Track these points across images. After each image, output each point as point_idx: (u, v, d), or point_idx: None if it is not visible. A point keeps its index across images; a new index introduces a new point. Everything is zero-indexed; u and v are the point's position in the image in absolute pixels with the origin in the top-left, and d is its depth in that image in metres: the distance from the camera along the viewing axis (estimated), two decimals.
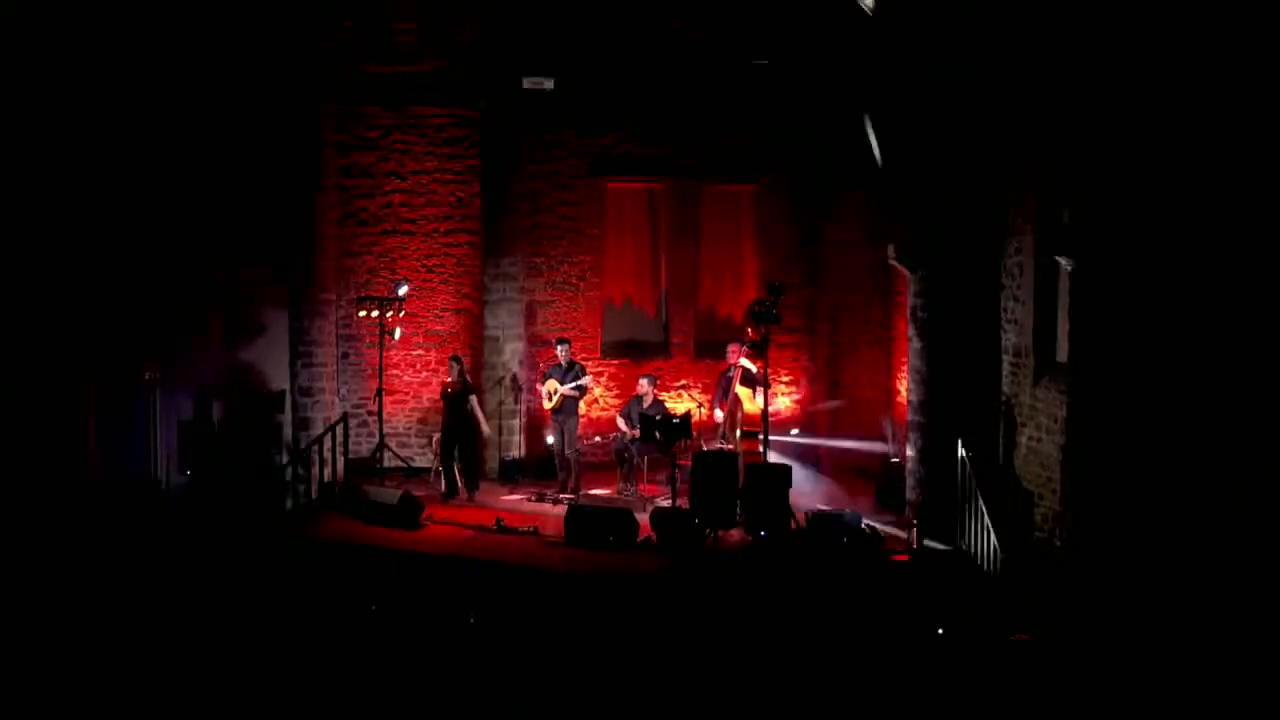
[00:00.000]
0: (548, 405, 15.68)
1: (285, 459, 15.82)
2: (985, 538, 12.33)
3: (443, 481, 15.58)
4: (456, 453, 15.54)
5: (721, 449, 14.78)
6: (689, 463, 14.22)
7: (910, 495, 14.08)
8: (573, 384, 15.38)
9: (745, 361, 14.97)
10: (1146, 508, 10.69)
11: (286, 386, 16.37)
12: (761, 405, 14.46)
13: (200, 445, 14.95)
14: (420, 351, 17.25)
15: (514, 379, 16.97)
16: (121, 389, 15.81)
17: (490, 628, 10.88)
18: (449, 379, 15.71)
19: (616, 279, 17.84)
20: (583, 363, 16.14)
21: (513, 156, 16.90)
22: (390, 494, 14.41)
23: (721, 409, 15.16)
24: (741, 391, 15.09)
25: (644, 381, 15.71)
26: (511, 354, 17.02)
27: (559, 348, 15.74)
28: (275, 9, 16.02)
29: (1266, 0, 10.15)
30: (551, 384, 15.56)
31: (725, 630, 10.83)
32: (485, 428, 15.77)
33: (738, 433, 14.99)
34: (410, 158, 17.12)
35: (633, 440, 15.20)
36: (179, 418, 15.77)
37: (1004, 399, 13.43)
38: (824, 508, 13.99)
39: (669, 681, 9.84)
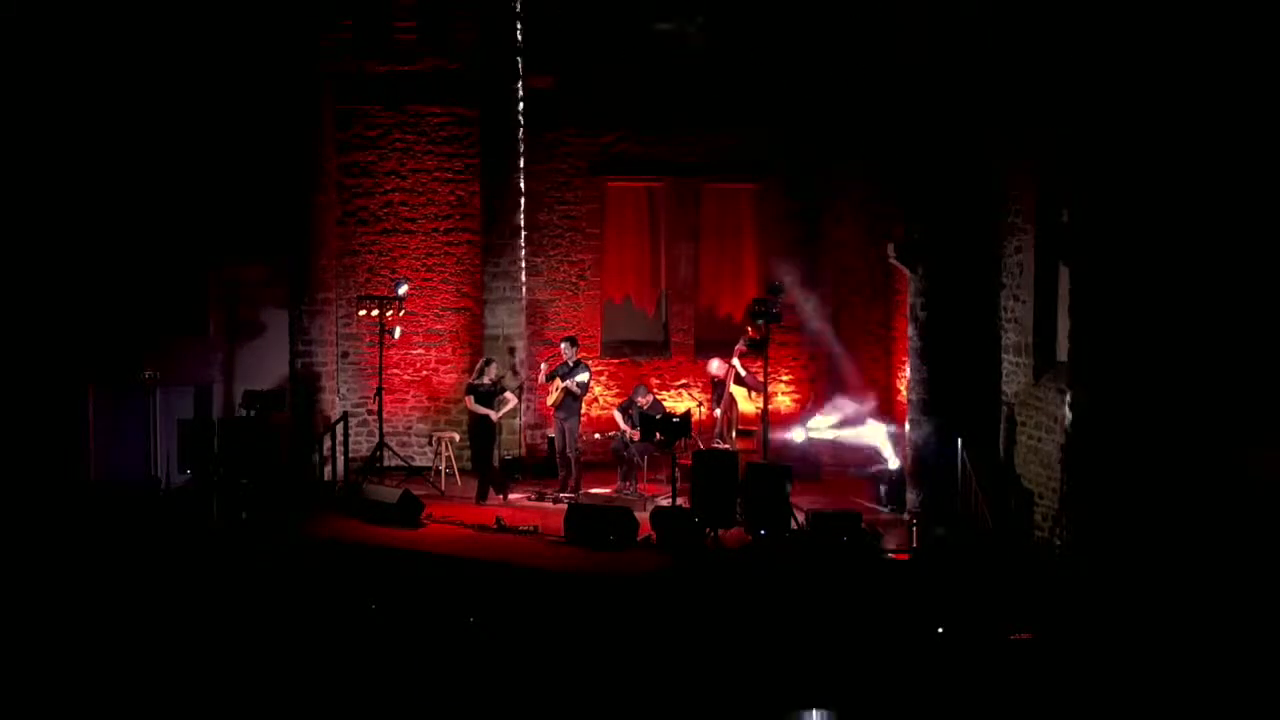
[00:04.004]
0: (549, 401, 15.68)
1: (285, 458, 15.81)
2: (985, 537, 12.32)
3: (444, 480, 15.64)
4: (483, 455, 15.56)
5: (718, 448, 14.81)
6: (689, 462, 14.23)
7: (910, 494, 14.08)
8: (573, 380, 15.36)
9: (737, 362, 15.08)
10: (1147, 507, 10.69)
11: (286, 386, 16.38)
12: (756, 405, 14.52)
13: (200, 445, 14.95)
14: (420, 351, 17.27)
15: (515, 378, 16.94)
16: (121, 389, 15.84)
17: (490, 627, 10.89)
18: (487, 378, 15.52)
19: (616, 278, 17.84)
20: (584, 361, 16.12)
21: (512, 155, 16.89)
22: (390, 493, 14.40)
23: (719, 408, 15.26)
24: (736, 391, 15.20)
25: (638, 396, 15.66)
26: (513, 349, 17.00)
27: (567, 348, 15.64)
28: (275, 8, 16.03)
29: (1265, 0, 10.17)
30: (555, 380, 15.56)
31: (725, 630, 10.82)
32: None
33: (734, 433, 15.05)
34: (410, 156, 17.15)
35: (632, 440, 15.21)
36: (179, 418, 15.78)
37: (1004, 398, 13.42)
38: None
39: (669, 681, 9.84)
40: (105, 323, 15.98)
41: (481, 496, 15.24)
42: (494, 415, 15.40)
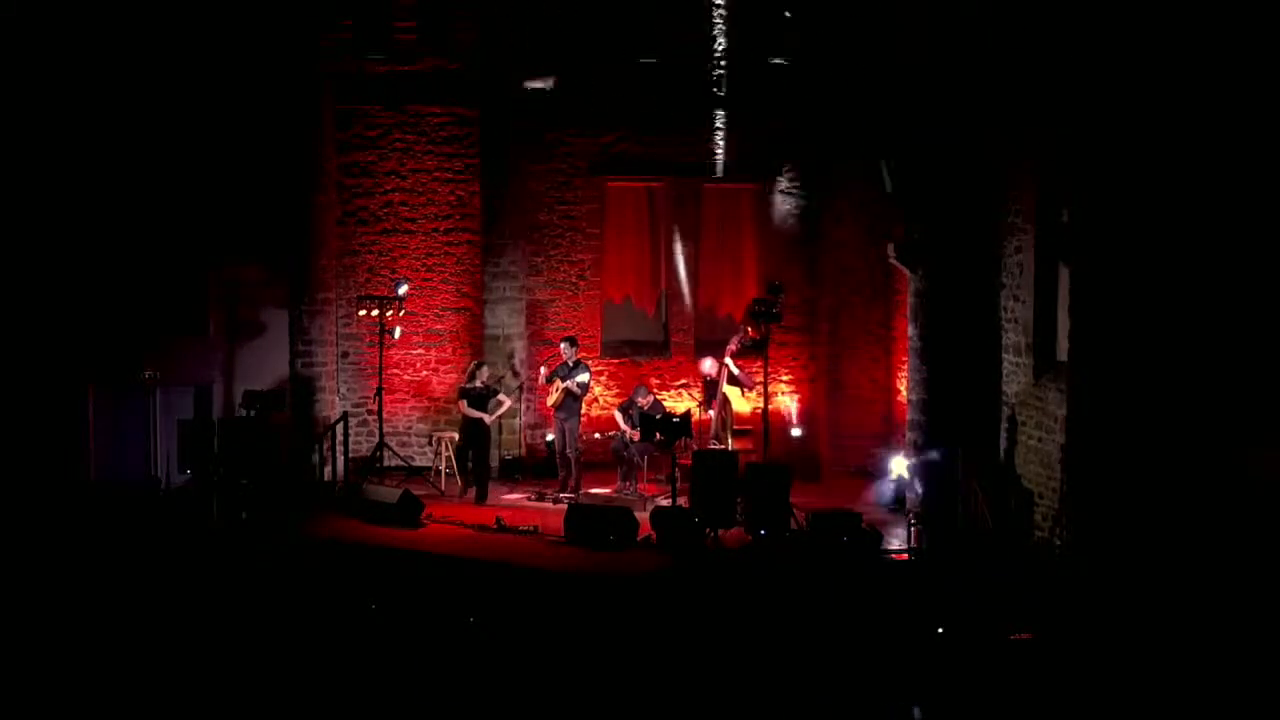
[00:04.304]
0: (549, 402, 15.68)
1: (285, 458, 15.80)
2: (985, 537, 12.32)
3: (459, 481, 15.67)
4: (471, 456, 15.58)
5: (713, 448, 14.82)
6: (689, 462, 14.23)
7: (910, 494, 14.07)
8: (574, 380, 15.36)
9: (730, 361, 15.09)
10: (1146, 507, 10.69)
11: (286, 386, 16.38)
12: (750, 404, 14.52)
13: (200, 445, 14.94)
14: (420, 351, 17.27)
15: (515, 378, 16.95)
16: (121, 389, 15.84)
17: (490, 627, 10.88)
18: (479, 381, 15.54)
19: (616, 278, 17.83)
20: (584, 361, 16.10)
21: (512, 155, 16.88)
22: (390, 493, 14.41)
23: (712, 408, 15.24)
24: (729, 391, 15.19)
25: (638, 396, 15.64)
26: (512, 353, 17.01)
27: (566, 348, 15.64)
28: (275, 8, 16.03)
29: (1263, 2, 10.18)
30: (555, 380, 15.57)
31: (725, 630, 10.82)
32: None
33: (729, 433, 15.06)
34: (410, 156, 17.14)
35: (632, 440, 15.21)
36: (179, 418, 15.77)
37: (1004, 398, 13.42)
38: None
39: (669, 681, 9.84)
40: (105, 323, 15.97)
41: (481, 498, 15.26)
42: (488, 419, 15.43)
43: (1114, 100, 10.78)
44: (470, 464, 15.53)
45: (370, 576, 12.37)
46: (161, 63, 15.95)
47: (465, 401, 15.40)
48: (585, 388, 15.56)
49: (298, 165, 16.37)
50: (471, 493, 15.40)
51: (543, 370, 15.66)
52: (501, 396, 15.73)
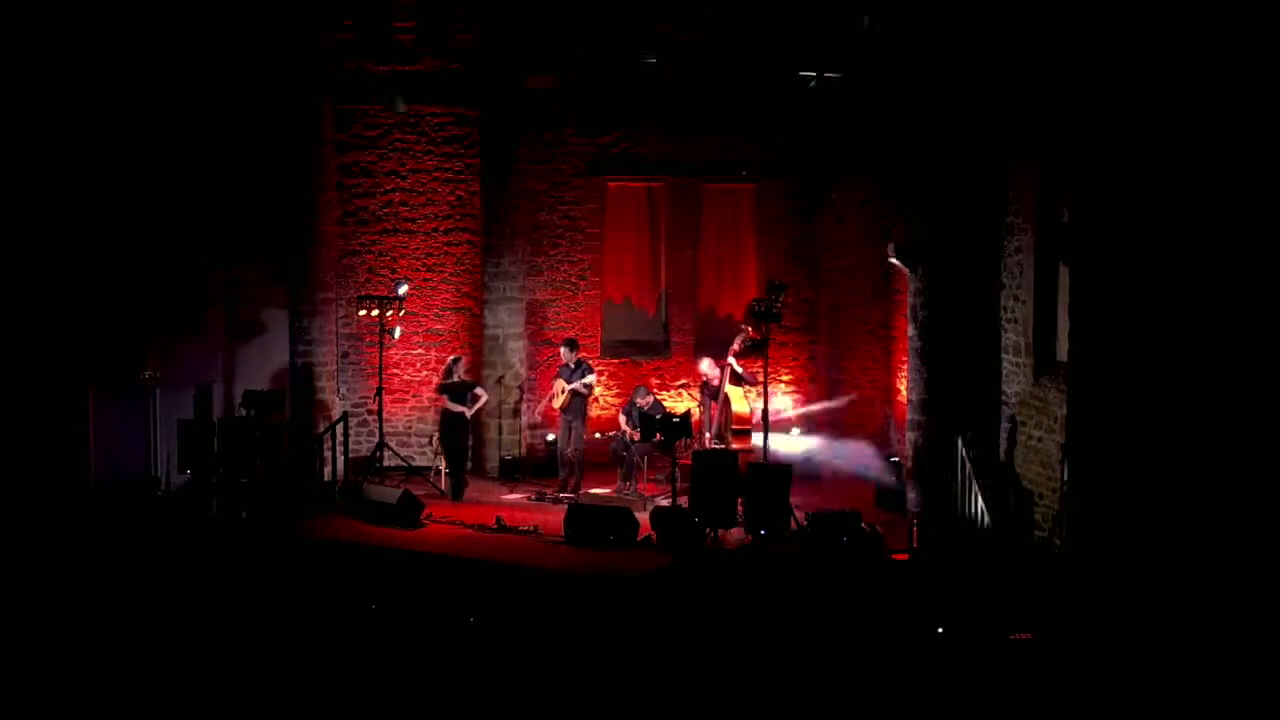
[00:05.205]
0: (555, 405, 15.68)
1: (285, 458, 15.80)
2: (985, 536, 12.32)
3: (445, 481, 15.66)
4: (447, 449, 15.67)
5: (713, 448, 14.82)
6: (689, 461, 14.22)
7: (910, 494, 14.07)
8: (580, 381, 15.38)
9: (733, 361, 15.06)
10: (1147, 506, 10.69)
11: (286, 386, 16.38)
12: (751, 405, 14.48)
13: (200, 445, 14.94)
14: (420, 351, 17.27)
15: (515, 377, 16.95)
16: (121, 389, 15.82)
17: (490, 627, 10.88)
18: (456, 376, 15.65)
19: (616, 278, 17.84)
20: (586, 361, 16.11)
21: (512, 155, 16.88)
22: (390, 493, 14.42)
23: (712, 410, 15.22)
24: (731, 391, 15.16)
25: (638, 397, 15.63)
26: (512, 353, 17.01)
27: (566, 351, 15.67)
28: (275, 8, 16.03)
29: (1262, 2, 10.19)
30: (560, 383, 15.58)
31: (725, 630, 10.82)
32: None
33: (729, 434, 15.04)
34: (410, 156, 17.14)
35: (632, 440, 15.21)
36: (179, 418, 15.78)
37: (1004, 398, 13.42)
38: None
39: (669, 681, 9.84)
40: (105, 322, 15.96)
41: (458, 493, 15.27)
42: (468, 412, 15.49)
43: (1114, 100, 10.78)
44: (446, 459, 15.59)
45: (370, 576, 12.36)
46: (162, 62, 15.95)
47: (447, 396, 15.51)
48: (591, 388, 15.60)
49: (298, 165, 16.37)
50: (463, 488, 15.40)
51: (541, 408, 15.84)
52: (479, 390, 15.82)
